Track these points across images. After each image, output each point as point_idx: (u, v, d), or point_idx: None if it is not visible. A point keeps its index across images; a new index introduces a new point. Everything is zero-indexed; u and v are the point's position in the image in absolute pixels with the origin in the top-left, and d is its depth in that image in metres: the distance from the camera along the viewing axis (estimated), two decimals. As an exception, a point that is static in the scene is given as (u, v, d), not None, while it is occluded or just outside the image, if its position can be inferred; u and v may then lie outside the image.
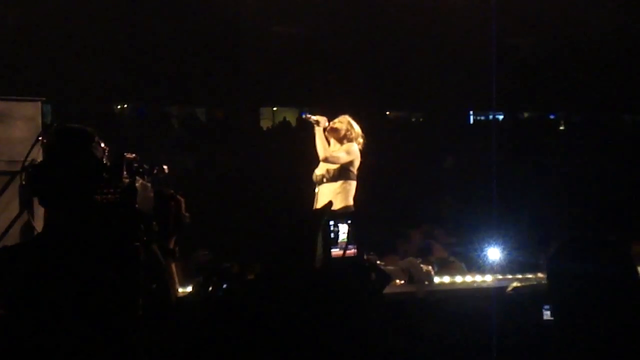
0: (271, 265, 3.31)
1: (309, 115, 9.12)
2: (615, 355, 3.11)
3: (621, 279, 3.21)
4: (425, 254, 10.31)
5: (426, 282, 9.13)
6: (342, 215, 3.18)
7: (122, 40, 15.64)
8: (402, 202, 14.05)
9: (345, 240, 3.32)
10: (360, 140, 9.08)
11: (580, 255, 3.26)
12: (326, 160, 8.89)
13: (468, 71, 17.78)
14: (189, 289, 3.90)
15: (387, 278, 3.36)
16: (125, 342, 3.33)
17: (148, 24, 16.14)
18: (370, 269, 3.30)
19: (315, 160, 9.04)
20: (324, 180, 8.92)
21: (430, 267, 9.33)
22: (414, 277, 9.18)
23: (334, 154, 8.92)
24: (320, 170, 9.03)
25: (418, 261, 9.47)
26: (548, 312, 3.36)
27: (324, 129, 8.99)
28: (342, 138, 9.03)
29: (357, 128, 9.09)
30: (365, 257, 3.42)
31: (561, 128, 22.82)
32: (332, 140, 9.08)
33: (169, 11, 16.55)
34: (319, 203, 8.78)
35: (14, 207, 6.84)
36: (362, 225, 3.36)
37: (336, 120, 9.10)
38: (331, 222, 3.30)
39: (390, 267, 8.98)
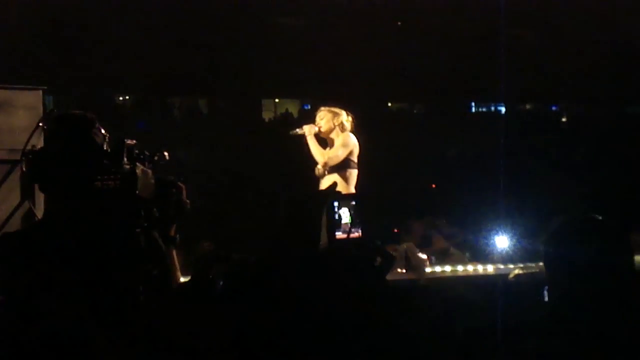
0: (272, 248, 3.29)
1: (293, 132, 9.04)
2: (609, 339, 3.11)
3: (615, 263, 3.20)
4: (426, 245, 10.33)
5: (422, 268, 9.14)
6: (346, 197, 3.13)
7: (125, 30, 15.62)
8: (404, 194, 14.04)
9: (349, 222, 3.28)
10: (349, 119, 9.00)
11: (575, 238, 3.25)
12: (327, 164, 8.85)
13: (469, 63, 17.77)
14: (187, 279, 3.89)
15: (392, 260, 3.35)
16: (126, 328, 3.32)
17: (151, 15, 16.13)
18: (377, 252, 3.27)
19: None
20: (326, 173, 8.89)
21: (425, 256, 9.34)
22: (411, 261, 9.17)
23: (332, 155, 8.86)
24: (320, 164, 8.97)
25: (417, 250, 9.49)
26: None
27: (315, 134, 8.95)
28: (333, 130, 8.96)
29: (338, 111, 9.00)
30: (370, 240, 3.37)
31: (563, 120, 22.81)
32: (328, 139, 9.03)
33: (172, 2, 16.54)
34: (322, 192, 8.75)
35: (15, 196, 6.82)
36: (366, 209, 3.31)
37: (317, 119, 9.01)
38: (335, 203, 3.26)
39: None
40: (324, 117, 8.98)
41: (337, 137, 8.90)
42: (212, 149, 16.03)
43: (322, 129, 8.92)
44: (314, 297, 2.97)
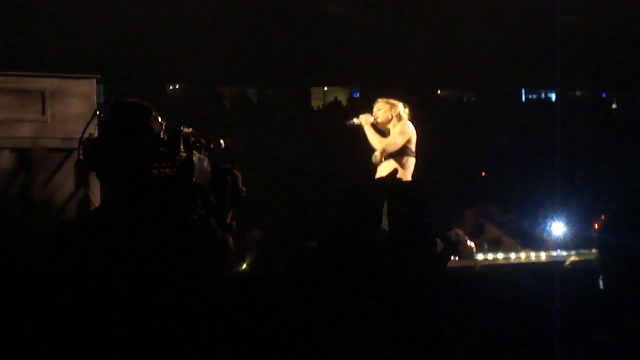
0: (333, 237, 3.28)
1: (350, 122, 9.11)
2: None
3: None
4: (478, 233, 10.28)
5: (472, 256, 9.13)
6: (405, 185, 3.12)
7: (173, 20, 15.69)
8: (455, 182, 13.98)
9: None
10: (407, 110, 9.05)
11: (629, 226, 3.22)
12: (385, 151, 8.89)
13: (520, 50, 17.65)
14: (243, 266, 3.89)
15: (454, 247, 3.35)
16: (183, 316, 3.34)
17: (200, 5, 16.19)
18: (438, 238, 3.26)
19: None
20: (383, 160, 8.93)
21: (474, 244, 9.33)
22: (461, 248, 9.17)
23: (390, 142, 8.93)
24: (378, 151, 9.01)
25: (466, 237, 9.46)
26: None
27: (372, 124, 9.01)
28: (390, 121, 9.02)
29: (396, 103, 9.07)
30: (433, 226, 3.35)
31: (613, 107, 22.60)
32: (385, 129, 9.07)
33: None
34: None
35: (70, 185, 6.86)
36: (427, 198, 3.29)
37: (375, 110, 9.06)
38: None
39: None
40: (381, 108, 9.05)
41: (395, 127, 8.96)
42: (262, 138, 16.05)
43: (379, 120, 9.00)
44: (377, 283, 2.96)
